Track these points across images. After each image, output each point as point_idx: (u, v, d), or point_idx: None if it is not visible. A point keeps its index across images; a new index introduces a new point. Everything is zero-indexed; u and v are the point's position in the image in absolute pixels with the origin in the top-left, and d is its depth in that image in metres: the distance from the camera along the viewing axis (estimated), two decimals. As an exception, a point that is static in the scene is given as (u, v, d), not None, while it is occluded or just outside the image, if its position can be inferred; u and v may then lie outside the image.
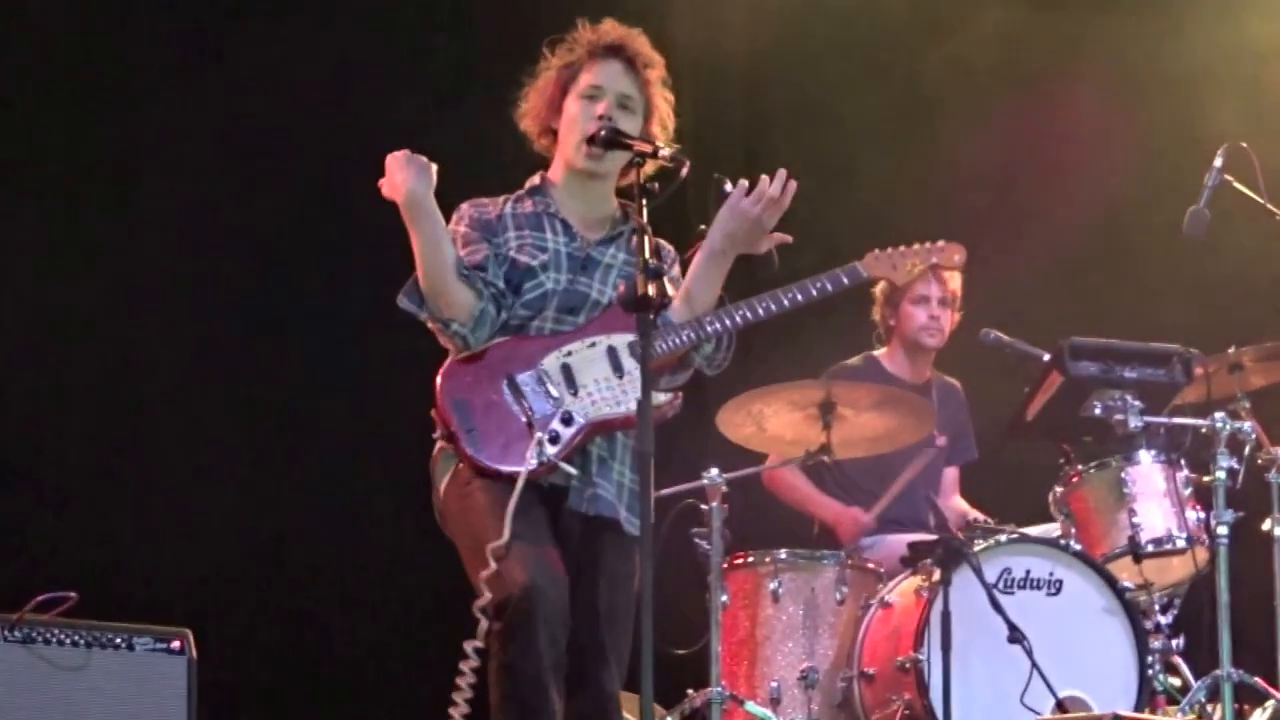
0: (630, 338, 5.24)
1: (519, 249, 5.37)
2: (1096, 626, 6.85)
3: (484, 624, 5.01)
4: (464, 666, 5.03)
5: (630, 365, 5.27)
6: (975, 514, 7.67)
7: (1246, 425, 6.95)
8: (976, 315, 7.84)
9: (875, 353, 7.93)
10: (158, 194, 7.93)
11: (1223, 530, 6.85)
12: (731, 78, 9.13)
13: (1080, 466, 7.22)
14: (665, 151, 5.15)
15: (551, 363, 5.28)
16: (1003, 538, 6.95)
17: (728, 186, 5.35)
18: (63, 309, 7.70)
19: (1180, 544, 7.01)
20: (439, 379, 5.29)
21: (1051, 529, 7.26)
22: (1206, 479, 6.94)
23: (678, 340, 5.31)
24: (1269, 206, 7.06)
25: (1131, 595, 6.95)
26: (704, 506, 6.85)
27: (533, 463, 5.14)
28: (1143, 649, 6.82)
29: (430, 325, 5.32)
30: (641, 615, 4.60)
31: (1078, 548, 6.99)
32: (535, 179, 5.53)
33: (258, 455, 7.98)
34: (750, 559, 7.06)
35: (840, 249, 5.61)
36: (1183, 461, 7.10)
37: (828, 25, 8.97)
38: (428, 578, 7.16)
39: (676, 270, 5.46)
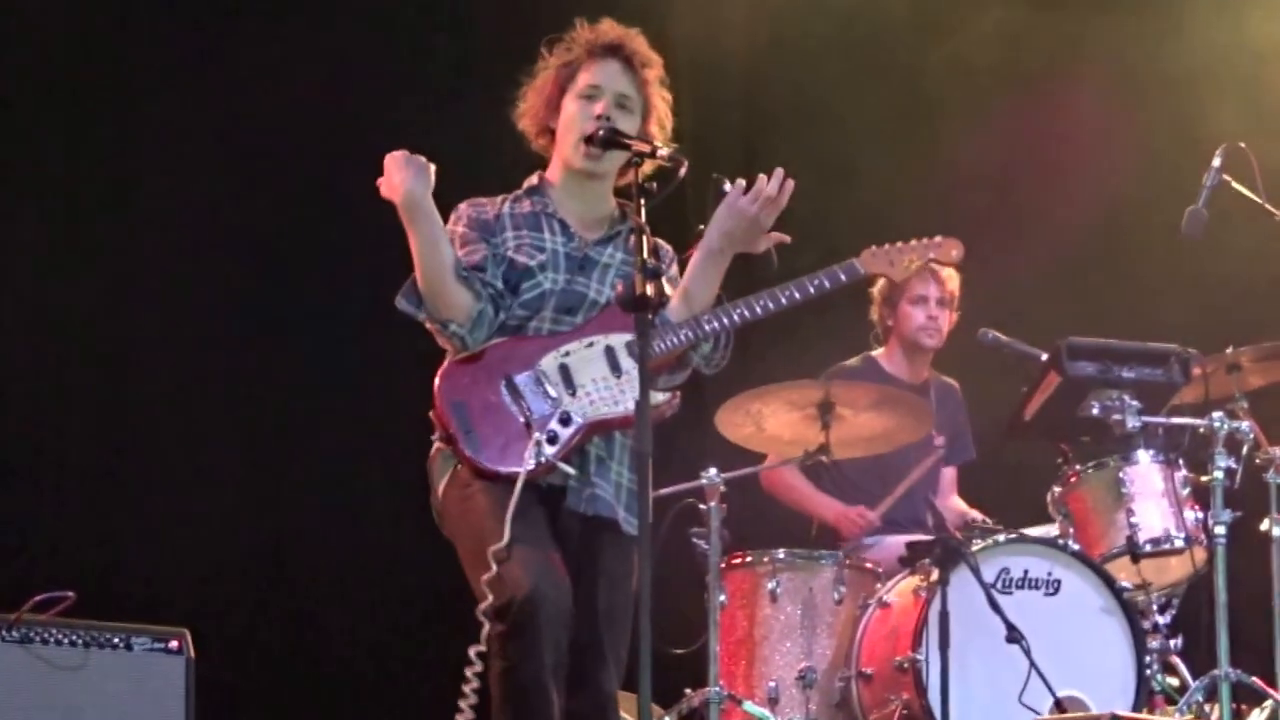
0: (628, 337, 5.24)
1: (517, 249, 5.37)
2: (1094, 626, 6.85)
3: (487, 627, 5.01)
4: (469, 672, 5.03)
5: (628, 365, 5.27)
6: (974, 514, 7.67)
7: (1244, 425, 6.94)
8: (975, 315, 7.84)
9: (873, 353, 7.94)
10: (158, 194, 7.92)
11: (1220, 530, 6.84)
12: (731, 77, 9.13)
13: (1078, 466, 7.23)
14: (663, 151, 5.14)
15: (549, 363, 5.28)
16: (1000, 538, 6.95)
17: (726, 186, 5.35)
18: (63, 309, 7.69)
19: (1178, 544, 7.02)
20: (437, 381, 5.28)
21: (1050, 531, 7.27)
22: (1204, 479, 6.93)
23: (675, 339, 5.31)
24: (1267, 206, 7.07)
25: (1129, 595, 6.95)
26: (702, 506, 6.85)
27: (531, 463, 5.14)
28: (1141, 649, 6.83)
29: (428, 326, 5.32)
30: (640, 615, 4.59)
31: (1076, 547, 7.00)
32: (533, 179, 5.52)
33: (256, 455, 7.97)
34: (748, 559, 7.06)
35: (840, 248, 5.58)
36: (1181, 461, 7.11)
37: (827, 24, 8.96)
38: (426, 578, 7.17)
39: (674, 270, 5.46)
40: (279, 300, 8.06)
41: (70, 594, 5.80)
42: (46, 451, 7.67)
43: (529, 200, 5.47)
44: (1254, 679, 6.79)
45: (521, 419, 5.21)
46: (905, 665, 6.70)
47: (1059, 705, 6.57)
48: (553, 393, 5.24)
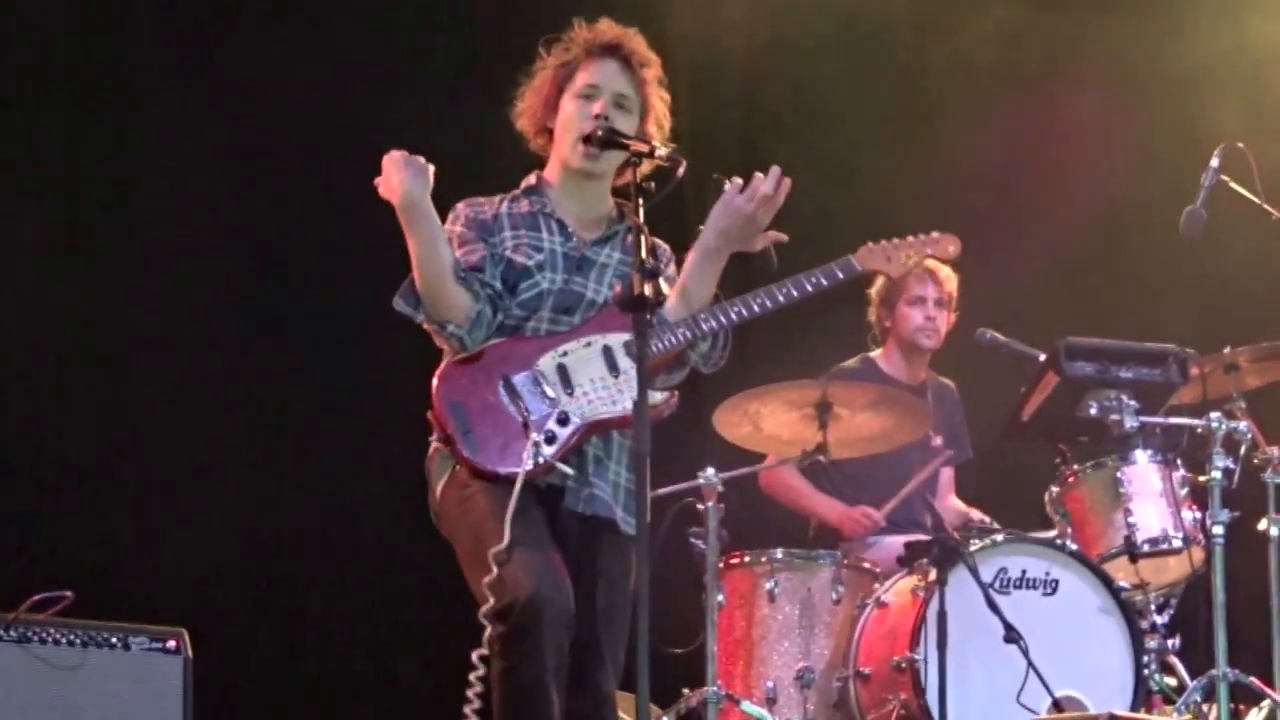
0: (625, 337, 5.24)
1: (515, 249, 5.37)
2: (1092, 626, 6.86)
3: (489, 630, 5.01)
4: (472, 677, 5.02)
5: (626, 364, 5.26)
6: (975, 513, 7.68)
7: (1242, 425, 6.94)
8: (974, 314, 7.84)
9: (871, 354, 7.94)
10: (158, 194, 7.93)
11: (1218, 530, 6.84)
12: (730, 76, 9.13)
13: (1076, 466, 7.23)
14: (662, 151, 5.14)
15: (547, 363, 5.27)
16: (999, 537, 6.96)
17: (726, 186, 5.36)
18: (63, 309, 7.70)
19: (1176, 544, 7.03)
20: (435, 382, 5.28)
21: (1050, 536, 7.28)
22: (1202, 479, 6.93)
23: (673, 339, 5.30)
24: (1265, 206, 7.07)
25: (1127, 595, 6.95)
26: (700, 506, 6.84)
27: (529, 464, 5.13)
28: (1139, 649, 6.83)
29: (426, 327, 5.32)
30: (638, 615, 4.60)
31: (1074, 547, 7.01)
32: (531, 179, 5.52)
33: (255, 455, 7.98)
34: (746, 559, 7.06)
35: (839, 248, 5.57)
36: (1179, 461, 7.11)
37: (827, 24, 8.95)
38: (425, 578, 7.15)
39: (672, 269, 5.45)
40: (279, 300, 8.06)
41: (68, 594, 5.81)
42: (45, 451, 7.67)
43: (527, 200, 5.47)
44: (1252, 679, 6.78)
45: (520, 419, 5.20)
46: (903, 665, 6.70)
47: (1057, 705, 6.58)
48: (550, 393, 5.23)
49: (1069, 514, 7.19)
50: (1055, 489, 7.26)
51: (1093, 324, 7.55)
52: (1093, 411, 7.10)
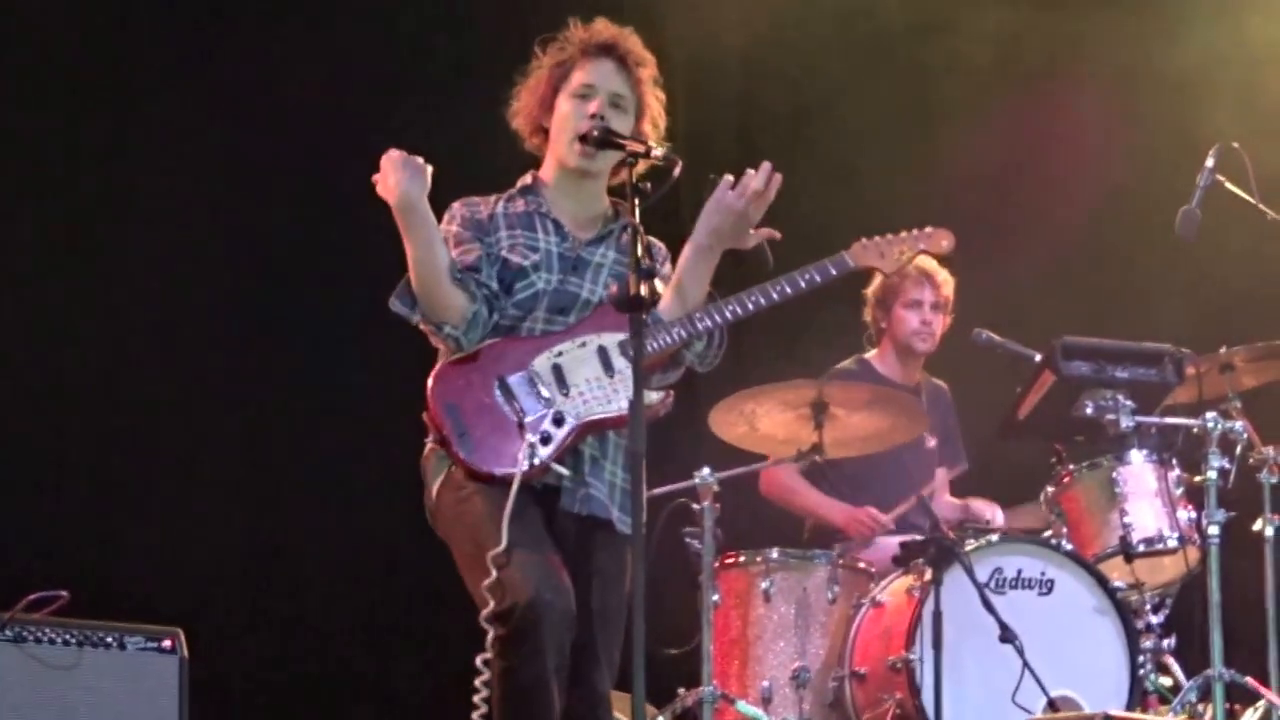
0: (620, 337, 5.23)
1: (511, 249, 5.37)
2: (1088, 626, 6.86)
3: (491, 634, 5.02)
4: (478, 682, 5.03)
5: (621, 364, 5.26)
6: (976, 503, 7.67)
7: (1238, 425, 6.94)
8: (971, 314, 7.84)
9: (866, 355, 7.94)
10: (157, 194, 7.93)
11: (1214, 530, 6.84)
12: (729, 75, 9.13)
13: (1072, 466, 7.23)
14: (658, 151, 5.14)
15: (542, 363, 5.28)
16: (994, 537, 6.97)
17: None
18: (62, 309, 7.72)
19: (1171, 544, 7.02)
20: (430, 382, 5.28)
21: (1034, 509, 7.27)
22: (1198, 479, 6.94)
23: (669, 338, 5.30)
24: (1260, 206, 7.07)
25: (1123, 595, 6.96)
26: (696, 506, 6.83)
27: (525, 465, 5.13)
28: (1134, 648, 6.83)
29: (422, 328, 5.32)
30: (634, 614, 4.61)
31: (1069, 547, 7.01)
32: (527, 178, 5.52)
33: (252, 455, 7.99)
34: (742, 558, 7.06)
35: (838, 248, 5.55)
36: (1174, 461, 7.12)
37: (826, 23, 8.96)
38: (422, 578, 7.16)
39: (668, 268, 5.45)
40: (278, 300, 8.07)
41: (64, 593, 5.81)
42: (41, 450, 7.66)
43: (523, 200, 5.47)
44: (1247, 679, 6.77)
45: (515, 420, 5.20)
46: (899, 665, 6.69)
47: (1052, 705, 6.58)
48: (546, 393, 5.24)
49: (1065, 514, 7.19)
50: (1051, 489, 7.26)
51: (1089, 324, 7.56)
52: (1089, 411, 7.10)
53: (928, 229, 5.75)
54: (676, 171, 5.06)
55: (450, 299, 5.25)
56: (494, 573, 5.01)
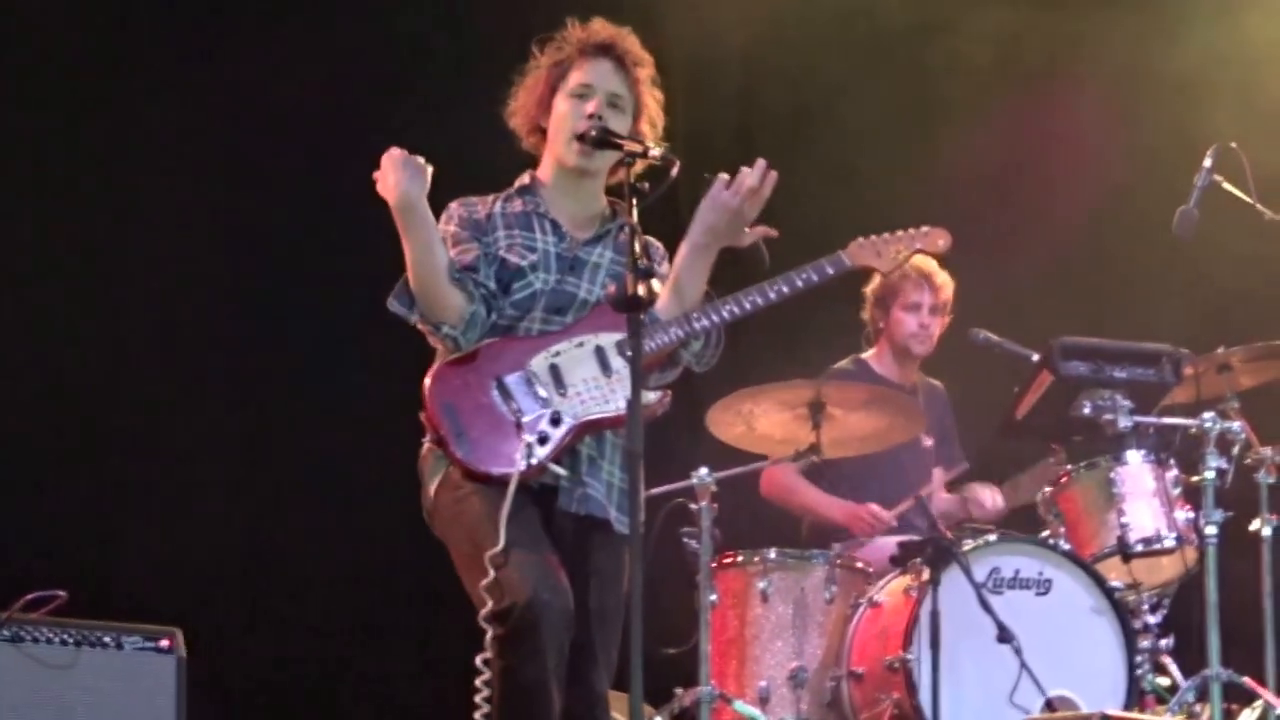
0: (617, 336, 5.24)
1: (509, 249, 5.37)
2: (1085, 626, 6.85)
3: (490, 633, 5.02)
4: (479, 682, 5.03)
5: (618, 364, 5.27)
6: (974, 487, 7.67)
7: (1236, 425, 6.95)
8: (969, 314, 7.84)
9: (863, 355, 7.94)
10: (157, 194, 7.94)
11: (1211, 530, 6.85)
12: (728, 75, 9.13)
13: (1070, 466, 7.23)
14: (655, 151, 5.13)
15: (540, 363, 5.28)
16: (992, 537, 6.97)
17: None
18: (62, 309, 7.72)
19: (1169, 544, 7.02)
20: (427, 382, 5.29)
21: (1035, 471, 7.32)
22: (1196, 479, 6.94)
23: (666, 338, 5.30)
24: (1258, 206, 7.07)
25: (1120, 595, 6.95)
26: (693, 506, 6.83)
27: (522, 465, 5.14)
28: (1131, 649, 6.82)
29: (421, 328, 5.32)
30: (631, 614, 4.62)
31: (1067, 547, 7.00)
32: (524, 178, 5.53)
33: (251, 454, 7.99)
34: (739, 558, 7.04)
35: (837, 248, 5.56)
36: (1172, 461, 7.11)
37: (826, 23, 8.95)
38: (421, 578, 7.16)
39: (665, 268, 5.45)
40: (278, 300, 8.07)
41: (61, 593, 5.82)
42: (40, 450, 7.66)
43: (520, 199, 5.48)
44: (1245, 679, 6.78)
45: (512, 420, 5.21)
46: (896, 665, 6.69)
47: (1049, 705, 6.57)
48: (543, 393, 5.24)
49: (1062, 514, 7.19)
50: (1048, 489, 7.26)
51: (1087, 324, 7.56)
52: (1087, 411, 7.09)
53: (924, 228, 5.74)
54: (674, 171, 5.05)
55: (448, 299, 5.25)
56: (492, 572, 5.01)
